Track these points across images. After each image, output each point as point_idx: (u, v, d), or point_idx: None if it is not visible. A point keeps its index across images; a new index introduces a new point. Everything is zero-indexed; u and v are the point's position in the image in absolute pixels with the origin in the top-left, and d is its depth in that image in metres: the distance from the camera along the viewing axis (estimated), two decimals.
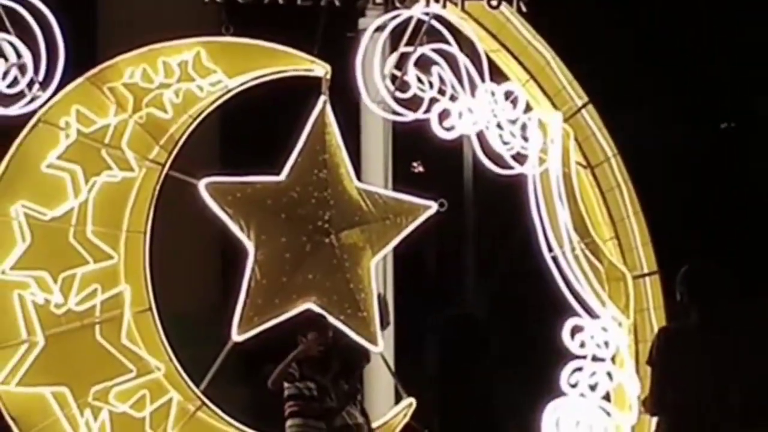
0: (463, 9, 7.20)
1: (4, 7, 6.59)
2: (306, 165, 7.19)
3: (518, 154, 7.34)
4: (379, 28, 7.19)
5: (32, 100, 6.73)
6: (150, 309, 7.18)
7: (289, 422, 7.10)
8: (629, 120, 8.96)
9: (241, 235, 7.12)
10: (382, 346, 7.28)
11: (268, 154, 7.66)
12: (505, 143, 7.26)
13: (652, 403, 6.30)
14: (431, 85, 7.14)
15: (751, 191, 13.84)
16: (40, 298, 6.85)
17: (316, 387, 7.07)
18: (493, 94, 7.18)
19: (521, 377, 9.79)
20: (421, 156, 12.08)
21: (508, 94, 7.27)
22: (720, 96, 14.24)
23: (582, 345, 7.07)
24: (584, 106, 7.64)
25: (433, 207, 7.48)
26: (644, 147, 8.70)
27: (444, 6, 7.19)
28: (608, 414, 7.01)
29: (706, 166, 13.83)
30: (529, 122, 7.25)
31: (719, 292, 6.26)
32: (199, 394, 7.20)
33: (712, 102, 14.45)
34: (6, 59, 6.65)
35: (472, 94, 7.14)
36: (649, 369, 6.28)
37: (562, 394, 7.14)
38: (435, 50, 7.16)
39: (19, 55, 6.64)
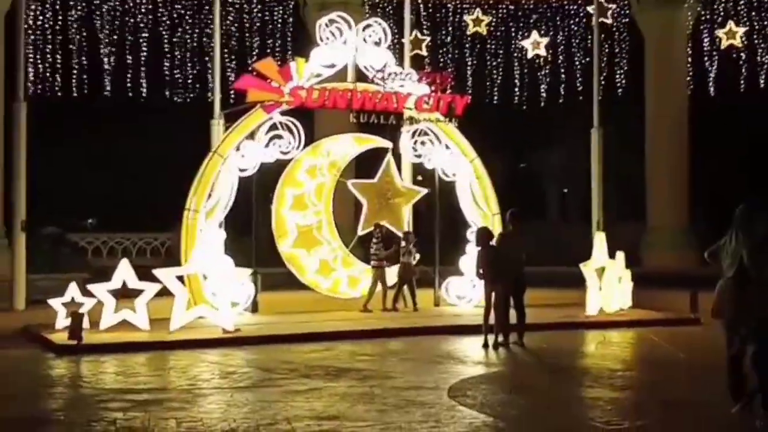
0: (436, 123, 19.49)
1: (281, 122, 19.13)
2: (383, 175, 19.92)
3: (453, 174, 19.91)
4: (409, 130, 19.56)
5: (288, 153, 18.63)
6: (331, 223, 20.09)
7: (373, 262, 19.77)
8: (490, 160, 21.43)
9: (361, 199, 19.91)
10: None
11: (371, 171, 20.27)
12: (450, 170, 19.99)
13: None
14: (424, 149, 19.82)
15: (534, 192, 35.27)
16: (299, 219, 19.87)
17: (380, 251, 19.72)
18: (447, 150, 20.00)
19: None
20: (421, 173, 21.47)
21: (452, 153, 19.94)
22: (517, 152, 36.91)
23: None
24: (476, 158, 19.93)
25: (425, 191, 20.34)
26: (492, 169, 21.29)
27: (428, 123, 19.47)
28: None
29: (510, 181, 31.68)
30: (459, 163, 20.03)
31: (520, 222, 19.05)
32: (346, 250, 20.10)
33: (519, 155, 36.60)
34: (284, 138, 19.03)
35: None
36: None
37: None
38: (428, 139, 19.81)
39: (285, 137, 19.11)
